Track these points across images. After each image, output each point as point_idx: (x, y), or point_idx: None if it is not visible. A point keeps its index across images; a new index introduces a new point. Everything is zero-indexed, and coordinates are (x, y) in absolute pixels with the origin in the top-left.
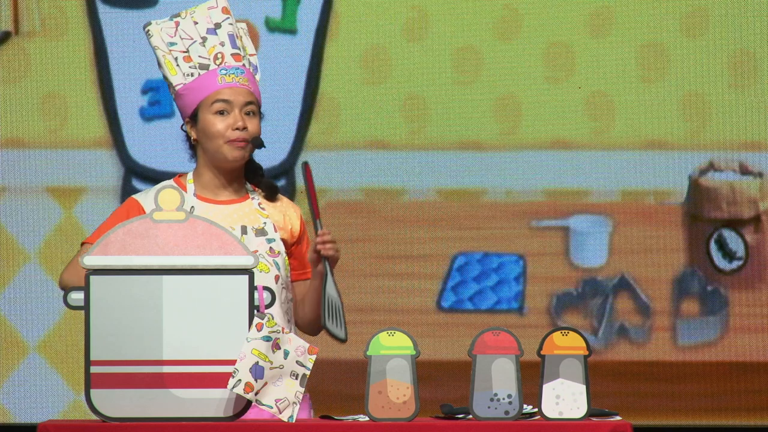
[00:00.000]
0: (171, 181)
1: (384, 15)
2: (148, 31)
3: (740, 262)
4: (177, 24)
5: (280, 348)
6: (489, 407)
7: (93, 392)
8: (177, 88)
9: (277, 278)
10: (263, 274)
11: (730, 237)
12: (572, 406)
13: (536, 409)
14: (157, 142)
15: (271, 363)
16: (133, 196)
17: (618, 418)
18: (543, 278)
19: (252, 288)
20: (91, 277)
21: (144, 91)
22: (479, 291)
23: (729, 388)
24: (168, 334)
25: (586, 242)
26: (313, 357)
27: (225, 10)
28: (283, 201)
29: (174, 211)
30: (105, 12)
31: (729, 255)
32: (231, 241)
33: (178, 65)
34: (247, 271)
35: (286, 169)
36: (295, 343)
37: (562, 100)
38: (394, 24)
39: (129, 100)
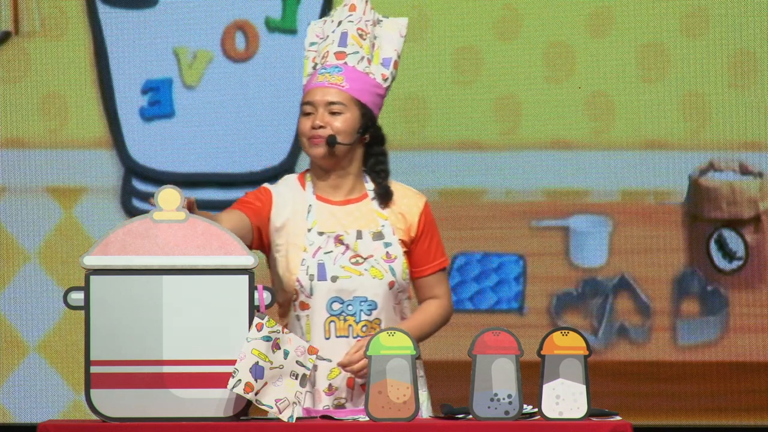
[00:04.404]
0: (294, 176)
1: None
2: (308, 31)
3: (740, 262)
4: (324, 23)
5: (280, 348)
6: (489, 407)
7: (93, 392)
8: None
9: (391, 284)
10: (377, 280)
11: (730, 237)
12: (572, 406)
13: (536, 409)
14: (157, 142)
15: (271, 363)
16: (265, 185)
17: (618, 418)
18: (543, 278)
19: (252, 288)
20: (91, 277)
21: (144, 91)
22: (479, 291)
23: (729, 388)
24: (168, 334)
25: (586, 242)
26: (313, 357)
27: (352, 8)
28: (405, 196)
29: (174, 211)
30: (105, 12)
31: (729, 255)
32: (231, 241)
33: (308, 65)
34: (247, 271)
35: (285, 169)
36: (295, 343)
37: (562, 100)
38: None
39: (129, 100)
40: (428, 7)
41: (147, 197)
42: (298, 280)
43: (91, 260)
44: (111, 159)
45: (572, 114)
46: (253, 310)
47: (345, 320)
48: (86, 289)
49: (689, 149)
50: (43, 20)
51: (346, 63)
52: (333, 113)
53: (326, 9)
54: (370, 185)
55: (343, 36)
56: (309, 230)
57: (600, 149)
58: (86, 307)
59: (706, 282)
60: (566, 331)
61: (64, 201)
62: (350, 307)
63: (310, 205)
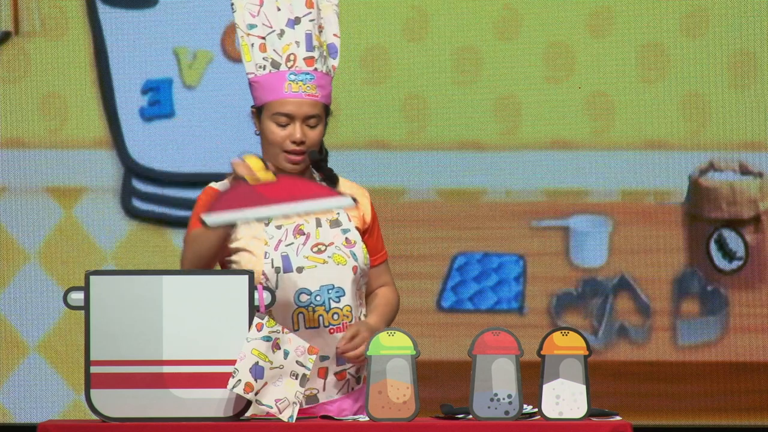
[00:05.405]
0: None
1: (384, 15)
2: (233, 4)
3: (740, 262)
4: (261, 4)
5: (280, 348)
6: (489, 407)
7: (93, 392)
8: (249, 77)
9: (354, 269)
10: (340, 266)
11: (730, 237)
12: (572, 406)
13: (536, 409)
14: (157, 142)
15: (271, 363)
16: (211, 184)
17: (618, 418)
18: (543, 278)
19: (252, 288)
20: (91, 277)
21: (144, 91)
22: (479, 291)
23: (729, 388)
24: (168, 334)
25: (586, 242)
26: (313, 357)
27: (309, 3)
28: (352, 187)
29: (263, 171)
30: (105, 12)
31: (729, 255)
32: (315, 185)
33: (253, 52)
34: (247, 271)
35: None
36: (295, 343)
37: (562, 100)
38: (394, 24)
39: (129, 100)
40: (428, 7)
41: (147, 197)
42: (264, 273)
43: (211, 219)
44: (111, 159)
45: (572, 114)
46: (253, 310)
47: (314, 311)
48: (86, 289)
49: (689, 149)
50: (43, 20)
51: (316, 69)
52: (309, 126)
53: None
54: (317, 176)
55: (308, 38)
56: (267, 225)
57: (600, 149)
58: (86, 307)
59: (706, 282)
60: (566, 331)
61: (64, 201)
62: (318, 297)
63: None
